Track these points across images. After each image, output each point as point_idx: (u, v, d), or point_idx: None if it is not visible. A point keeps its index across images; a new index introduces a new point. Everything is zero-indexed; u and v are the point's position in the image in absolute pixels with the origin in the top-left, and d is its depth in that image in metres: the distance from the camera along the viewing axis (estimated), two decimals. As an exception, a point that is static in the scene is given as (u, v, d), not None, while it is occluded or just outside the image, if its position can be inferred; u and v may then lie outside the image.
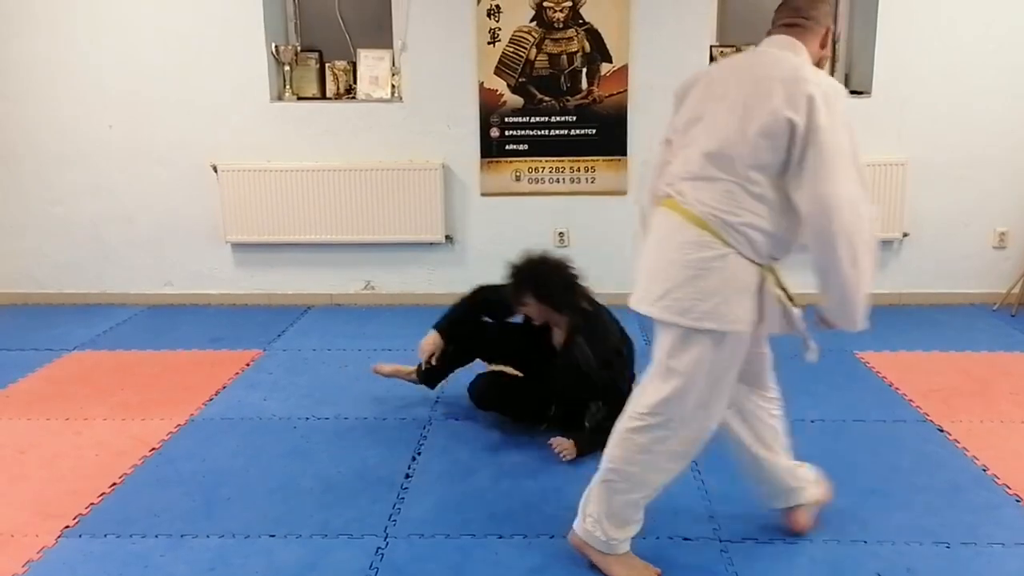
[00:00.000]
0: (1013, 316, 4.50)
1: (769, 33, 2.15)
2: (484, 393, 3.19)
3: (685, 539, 2.42)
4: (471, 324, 3.29)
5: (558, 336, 3.10)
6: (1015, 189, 4.58)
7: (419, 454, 2.99)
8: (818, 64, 2.09)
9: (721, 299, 2.01)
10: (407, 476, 2.82)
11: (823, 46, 2.14)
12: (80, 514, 2.59)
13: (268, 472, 2.86)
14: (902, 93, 4.44)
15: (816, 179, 1.90)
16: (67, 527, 2.52)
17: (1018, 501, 2.60)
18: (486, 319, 3.31)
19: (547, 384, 3.06)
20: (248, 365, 3.92)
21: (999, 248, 4.65)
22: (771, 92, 1.94)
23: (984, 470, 2.79)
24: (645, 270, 2.17)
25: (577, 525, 2.27)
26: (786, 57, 2.03)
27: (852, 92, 4.61)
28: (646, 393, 2.15)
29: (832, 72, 4.72)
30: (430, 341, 3.24)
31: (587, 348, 2.89)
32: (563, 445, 2.93)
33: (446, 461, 2.93)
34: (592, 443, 2.74)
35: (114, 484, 2.78)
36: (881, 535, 2.42)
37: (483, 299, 3.28)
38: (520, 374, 3.28)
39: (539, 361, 3.12)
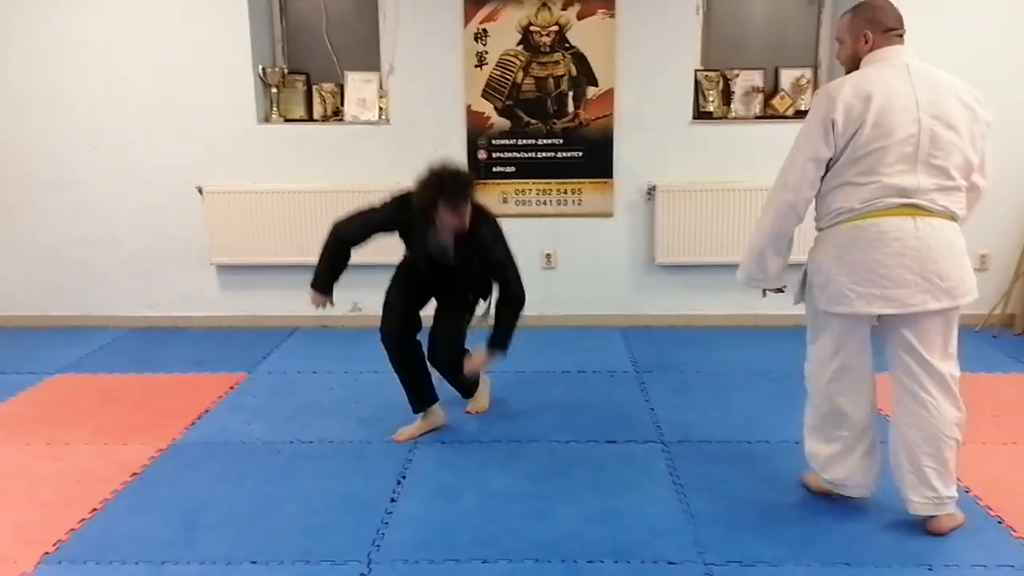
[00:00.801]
0: (995, 337, 4.54)
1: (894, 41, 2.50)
2: (438, 349, 3.34)
3: (670, 563, 2.41)
4: (343, 267, 3.39)
5: (447, 235, 3.16)
6: (996, 212, 4.63)
7: (404, 478, 2.97)
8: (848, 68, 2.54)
9: None
10: (392, 500, 2.80)
11: (838, 56, 2.61)
12: (60, 540, 2.57)
13: (251, 497, 2.84)
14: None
15: None
16: (47, 553, 2.49)
17: (1000, 523, 2.61)
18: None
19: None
20: (232, 388, 3.90)
21: (981, 270, 4.69)
22: None
23: (966, 491, 2.80)
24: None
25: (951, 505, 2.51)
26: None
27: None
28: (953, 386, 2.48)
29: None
30: (313, 296, 3.38)
31: (491, 231, 3.18)
32: (472, 363, 3.23)
33: (431, 485, 2.92)
34: (498, 341, 3.18)
35: (94, 510, 2.76)
36: (865, 557, 2.42)
37: (347, 238, 3.32)
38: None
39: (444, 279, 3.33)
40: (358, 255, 4.70)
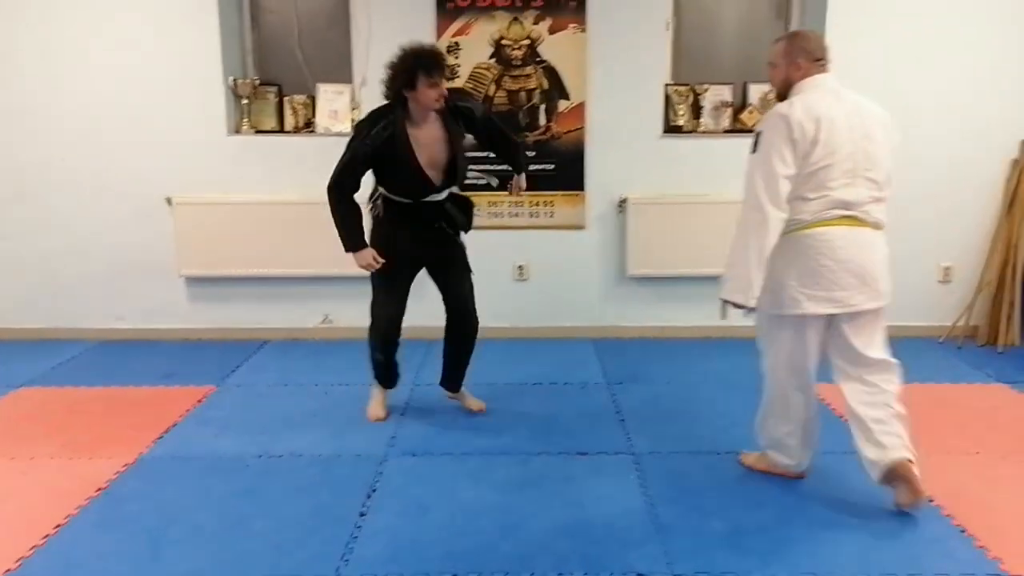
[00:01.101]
0: (959, 349, 4.62)
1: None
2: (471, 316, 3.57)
3: (639, 574, 2.42)
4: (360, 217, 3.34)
5: (427, 117, 3.25)
6: (959, 226, 4.73)
7: (374, 491, 2.96)
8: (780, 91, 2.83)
9: None
10: (361, 515, 2.79)
11: (770, 78, 2.87)
12: (23, 556, 2.52)
13: (219, 512, 2.81)
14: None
15: None
16: (8, 571, 2.45)
17: (963, 532, 2.65)
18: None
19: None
20: (200, 402, 3.86)
21: (944, 282, 4.78)
22: None
23: (929, 501, 2.84)
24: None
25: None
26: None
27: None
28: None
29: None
30: (366, 255, 3.31)
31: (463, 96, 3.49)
32: (519, 183, 3.59)
33: (402, 499, 2.91)
34: (522, 166, 3.61)
35: (59, 526, 2.71)
36: (832, 567, 2.45)
37: (349, 189, 3.28)
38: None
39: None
40: (331, 267, 4.72)
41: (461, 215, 3.46)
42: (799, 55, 2.73)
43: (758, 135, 2.68)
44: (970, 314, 4.73)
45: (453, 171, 3.32)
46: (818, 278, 2.68)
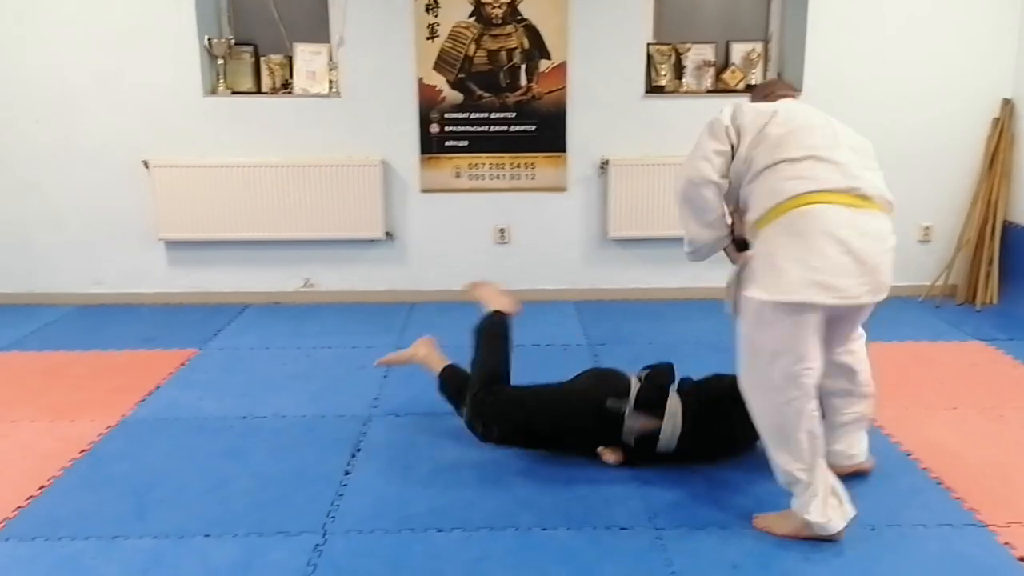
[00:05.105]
0: (937, 308, 4.67)
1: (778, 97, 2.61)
2: None
3: (622, 528, 2.46)
4: None
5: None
6: (939, 185, 4.76)
7: (359, 450, 2.97)
8: None
9: None
10: (346, 473, 2.80)
11: None
12: (7, 517, 2.51)
13: (203, 472, 2.81)
14: (831, 93, 4.54)
15: None
16: (-8, 532, 2.45)
17: (940, 484, 2.70)
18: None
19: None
20: (183, 365, 3.84)
21: (924, 242, 4.82)
22: None
23: (908, 455, 2.89)
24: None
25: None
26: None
27: (784, 90, 4.73)
28: None
29: (764, 73, 4.84)
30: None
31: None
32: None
33: (386, 457, 2.92)
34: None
35: (42, 487, 2.70)
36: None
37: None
38: None
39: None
40: (311, 230, 4.69)
41: None
42: (755, 98, 2.71)
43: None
44: (949, 273, 4.78)
45: None
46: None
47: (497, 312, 3.17)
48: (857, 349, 2.67)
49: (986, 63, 4.61)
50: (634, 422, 2.73)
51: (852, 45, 4.59)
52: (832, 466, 2.45)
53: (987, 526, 2.45)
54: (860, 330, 2.66)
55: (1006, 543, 2.36)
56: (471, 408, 2.85)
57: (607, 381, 2.87)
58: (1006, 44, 4.59)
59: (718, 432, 2.75)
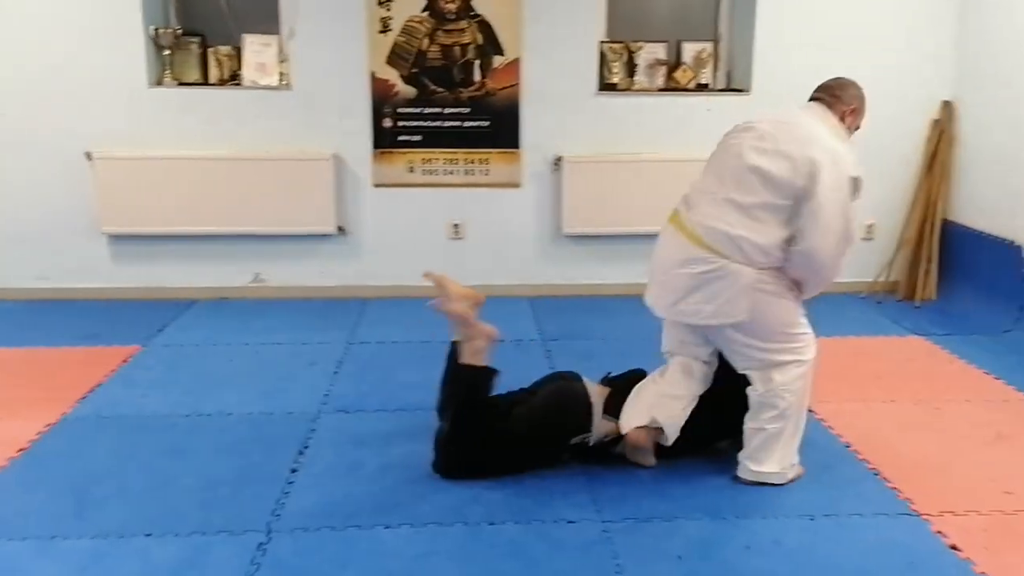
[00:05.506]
0: (879, 303, 4.78)
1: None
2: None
3: (569, 522, 2.48)
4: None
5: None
6: (882, 183, 4.86)
7: (306, 448, 2.95)
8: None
9: None
10: (293, 471, 2.78)
11: (842, 119, 2.91)
12: (-62, 520, 2.45)
13: (146, 471, 2.76)
14: (779, 91, 4.61)
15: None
16: (-77, 535, 2.38)
17: (877, 475, 2.78)
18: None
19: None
20: (126, 361, 3.76)
21: (867, 239, 4.93)
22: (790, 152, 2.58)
23: (847, 447, 2.97)
24: None
25: None
26: (812, 123, 2.76)
27: (732, 90, 4.81)
28: None
29: (714, 72, 4.90)
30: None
31: None
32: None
33: (333, 455, 2.90)
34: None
35: (-24, 488, 2.64)
36: (750, 511, 2.55)
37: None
38: None
39: None
40: (261, 224, 4.63)
41: None
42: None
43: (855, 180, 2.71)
44: (890, 270, 4.90)
45: None
46: None
47: (469, 366, 2.92)
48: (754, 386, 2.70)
49: (926, 66, 4.74)
50: (601, 428, 2.77)
51: (798, 47, 4.67)
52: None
53: (921, 515, 2.53)
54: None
55: (938, 532, 2.44)
56: (441, 450, 2.76)
57: (566, 407, 2.80)
58: (945, 47, 4.72)
59: (684, 431, 2.76)
